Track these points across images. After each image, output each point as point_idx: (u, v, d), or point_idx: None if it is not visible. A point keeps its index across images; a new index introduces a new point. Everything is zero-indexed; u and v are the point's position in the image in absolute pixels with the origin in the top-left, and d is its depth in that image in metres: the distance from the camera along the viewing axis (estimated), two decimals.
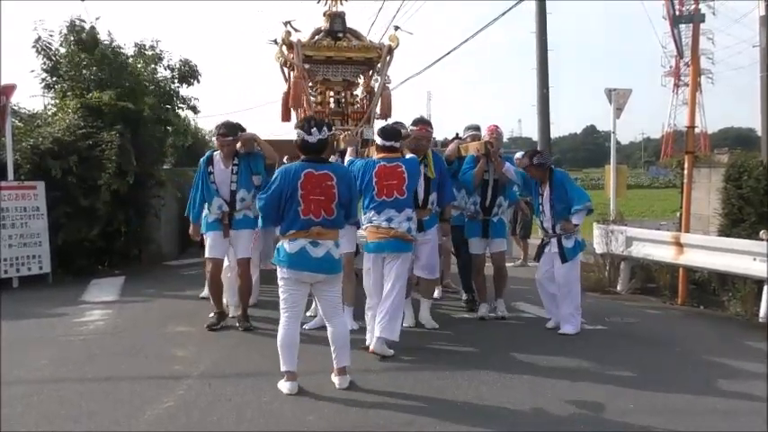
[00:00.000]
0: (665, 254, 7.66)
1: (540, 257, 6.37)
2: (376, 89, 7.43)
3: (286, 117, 7.51)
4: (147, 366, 5.18)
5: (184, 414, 4.13)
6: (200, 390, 4.56)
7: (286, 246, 4.45)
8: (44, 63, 10.43)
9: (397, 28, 7.38)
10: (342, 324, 4.65)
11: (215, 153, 6.28)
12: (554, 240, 6.15)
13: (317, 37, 7.37)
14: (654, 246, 7.83)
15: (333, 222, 4.50)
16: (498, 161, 6.48)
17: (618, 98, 9.77)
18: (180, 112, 12.15)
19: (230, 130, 6.18)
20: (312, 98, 7.48)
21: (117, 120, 9.84)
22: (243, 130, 6.75)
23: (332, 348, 4.61)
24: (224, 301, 6.57)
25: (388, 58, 7.28)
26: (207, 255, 6.28)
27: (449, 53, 20.06)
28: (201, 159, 6.41)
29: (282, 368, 4.48)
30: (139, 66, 10.81)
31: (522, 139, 74.72)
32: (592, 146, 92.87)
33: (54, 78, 10.52)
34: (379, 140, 5.55)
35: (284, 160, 6.00)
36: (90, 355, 5.56)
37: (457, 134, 7.39)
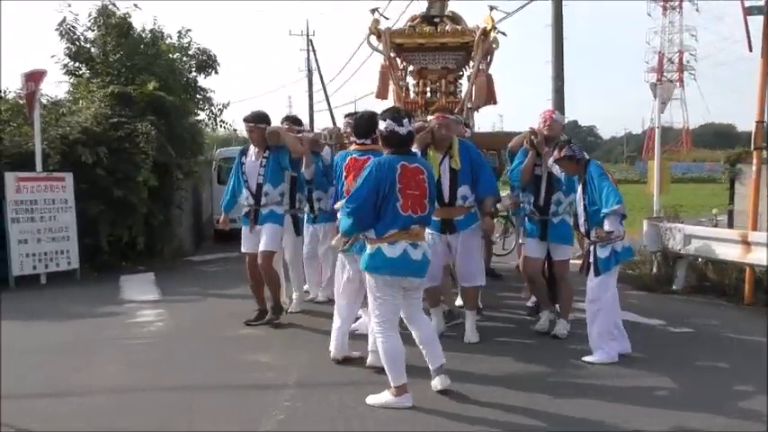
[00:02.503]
0: (730, 252, 7.43)
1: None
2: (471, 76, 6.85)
3: None
4: (234, 373, 4.82)
5: (303, 426, 3.83)
6: (306, 400, 4.23)
7: (385, 250, 4.01)
8: (67, 48, 9.90)
9: (492, 8, 6.75)
10: (426, 322, 4.36)
11: (250, 145, 6.21)
12: (591, 248, 5.34)
13: (410, 24, 6.94)
14: (718, 244, 7.59)
15: (426, 220, 4.19)
16: (547, 153, 5.68)
17: (663, 92, 9.58)
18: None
19: (254, 117, 6.04)
20: (406, 87, 7.03)
21: (147, 109, 9.38)
22: (299, 123, 6.58)
23: (423, 351, 4.25)
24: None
25: (482, 40, 6.65)
26: (242, 249, 6.22)
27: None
28: (239, 151, 6.49)
29: (393, 384, 4.06)
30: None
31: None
32: (575, 141, 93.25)
33: (77, 64, 10.00)
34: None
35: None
36: (161, 360, 5.23)
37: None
